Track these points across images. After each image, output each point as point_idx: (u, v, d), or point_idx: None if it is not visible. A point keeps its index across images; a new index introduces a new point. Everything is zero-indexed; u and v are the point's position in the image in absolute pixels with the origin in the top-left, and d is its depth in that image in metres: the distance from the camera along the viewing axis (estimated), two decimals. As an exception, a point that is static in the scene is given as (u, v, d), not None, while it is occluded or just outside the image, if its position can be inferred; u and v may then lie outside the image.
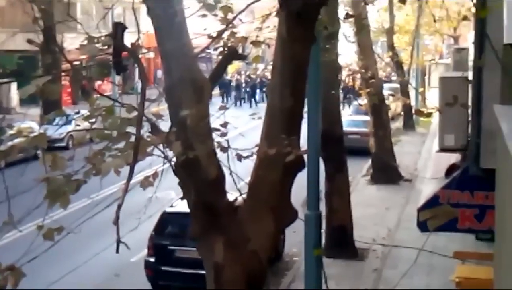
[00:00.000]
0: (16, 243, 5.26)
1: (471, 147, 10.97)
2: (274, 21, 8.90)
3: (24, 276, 5.42)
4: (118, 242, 5.88)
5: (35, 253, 5.62)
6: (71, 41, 27.39)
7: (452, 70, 20.37)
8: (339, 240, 17.54)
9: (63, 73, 8.26)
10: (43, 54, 34.38)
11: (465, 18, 31.84)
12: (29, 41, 10.74)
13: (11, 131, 6.76)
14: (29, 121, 32.11)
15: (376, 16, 33.36)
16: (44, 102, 37.18)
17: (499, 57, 7.10)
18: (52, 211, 5.76)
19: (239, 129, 11.37)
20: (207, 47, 8.91)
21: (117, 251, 5.96)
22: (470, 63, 13.93)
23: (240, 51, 8.47)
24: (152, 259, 15.29)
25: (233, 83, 54.53)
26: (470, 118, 11.38)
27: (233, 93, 54.18)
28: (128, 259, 15.64)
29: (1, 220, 5.49)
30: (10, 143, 6.49)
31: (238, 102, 49.82)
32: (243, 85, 53.70)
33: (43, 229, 5.64)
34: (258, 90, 51.74)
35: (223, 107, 9.03)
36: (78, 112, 33.52)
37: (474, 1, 8.14)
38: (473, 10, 8.96)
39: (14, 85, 43.95)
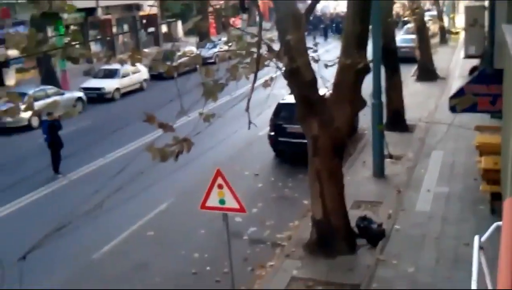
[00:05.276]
0: (186, 125, 5.45)
1: (486, 54, 10.50)
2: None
3: (193, 144, 5.64)
4: (249, 122, 6.05)
5: (199, 130, 5.81)
6: (214, -9, 27.31)
7: (474, 0, 19.10)
8: (395, 119, 17.29)
9: (209, 14, 8.34)
10: (197, 1, 34.36)
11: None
12: (188, -7, 10.82)
13: (179, 53, 6.95)
14: (190, 47, 32.52)
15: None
16: (199, 34, 37.44)
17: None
18: (207, 104, 5.93)
19: (325, 48, 11.19)
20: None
21: (248, 128, 6.14)
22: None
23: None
24: (272, 133, 15.54)
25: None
26: (486, 35, 10.84)
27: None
28: (257, 134, 15.98)
29: (177, 110, 5.68)
30: (179, 61, 6.68)
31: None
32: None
33: (203, 115, 5.82)
34: (329, 30, 48.48)
35: (315, 34, 8.92)
36: (220, 40, 33.74)
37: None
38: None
39: (179, 23, 44.48)
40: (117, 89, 26.13)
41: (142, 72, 27.76)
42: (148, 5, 32.05)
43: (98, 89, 25.61)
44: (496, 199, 10.43)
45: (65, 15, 28.12)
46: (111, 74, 26.40)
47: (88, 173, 15.30)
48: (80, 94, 24.20)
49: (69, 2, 4.96)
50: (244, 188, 12.57)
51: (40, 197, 13.71)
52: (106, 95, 25.59)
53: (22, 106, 4.95)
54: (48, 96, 21.30)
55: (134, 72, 27.08)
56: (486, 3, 11.27)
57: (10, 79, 28.65)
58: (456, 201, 11.52)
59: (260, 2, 7.22)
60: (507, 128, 8.60)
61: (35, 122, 20.56)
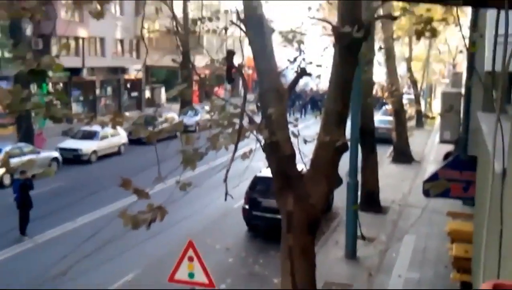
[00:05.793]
0: (162, 192, 5.31)
1: (461, 140, 10.70)
2: (331, 51, 8.78)
3: (167, 213, 5.48)
4: (226, 194, 5.95)
5: (175, 199, 5.68)
6: (199, 61, 27.76)
7: (450, 87, 19.75)
8: (370, 200, 17.33)
9: (194, 82, 8.41)
10: (182, 69, 34.85)
11: (461, 51, 30.59)
12: (173, 60, 10.91)
13: (161, 119, 6.94)
14: (172, 113, 32.71)
15: (399, 48, 32.57)
16: (182, 101, 37.75)
17: (482, 80, 6.86)
18: (185, 172, 5.82)
19: (305, 123, 11.30)
20: (286, 68, 8.88)
21: (225, 199, 6.03)
22: (463, 83, 13.55)
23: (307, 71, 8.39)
24: (247, 206, 15.37)
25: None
26: (461, 121, 11.10)
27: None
28: (232, 205, 15.78)
29: (154, 176, 5.56)
30: (160, 127, 6.63)
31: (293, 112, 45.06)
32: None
33: (179, 183, 5.70)
34: (307, 106, 49.03)
35: (294, 109, 9.01)
36: (203, 108, 34.06)
37: (467, 41, 7.85)
38: (467, 46, 8.67)
39: (163, 89, 45.04)
40: (94, 151, 25.90)
41: (121, 136, 27.65)
42: (135, 70, 32.43)
43: (75, 150, 25.34)
44: (466, 288, 10.31)
45: (50, 73, 28.19)
46: (90, 136, 26.25)
47: (56, 236, 14.80)
48: (56, 154, 23.88)
49: (57, 60, 4.91)
50: (214, 262, 12.24)
51: (2, 260, 13.14)
52: (83, 157, 25.30)
53: (-3, 163, 4.80)
54: (23, 154, 20.95)
55: (113, 135, 26.97)
56: (463, 90, 11.62)
57: (-14, 135, 28.26)
58: (427, 288, 11.38)
59: (245, 73, 7.30)
60: (479, 217, 8.63)
61: (7, 180, 20.09)
